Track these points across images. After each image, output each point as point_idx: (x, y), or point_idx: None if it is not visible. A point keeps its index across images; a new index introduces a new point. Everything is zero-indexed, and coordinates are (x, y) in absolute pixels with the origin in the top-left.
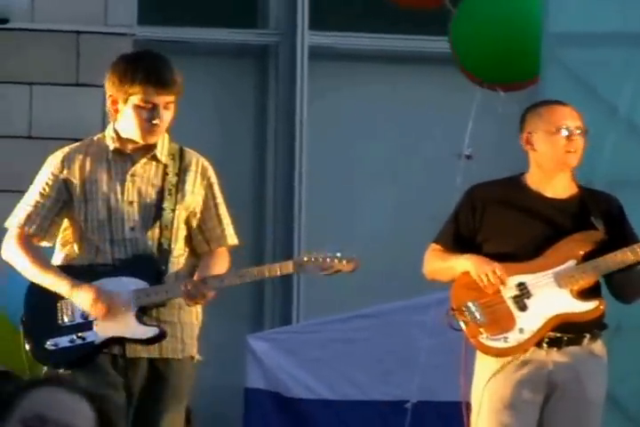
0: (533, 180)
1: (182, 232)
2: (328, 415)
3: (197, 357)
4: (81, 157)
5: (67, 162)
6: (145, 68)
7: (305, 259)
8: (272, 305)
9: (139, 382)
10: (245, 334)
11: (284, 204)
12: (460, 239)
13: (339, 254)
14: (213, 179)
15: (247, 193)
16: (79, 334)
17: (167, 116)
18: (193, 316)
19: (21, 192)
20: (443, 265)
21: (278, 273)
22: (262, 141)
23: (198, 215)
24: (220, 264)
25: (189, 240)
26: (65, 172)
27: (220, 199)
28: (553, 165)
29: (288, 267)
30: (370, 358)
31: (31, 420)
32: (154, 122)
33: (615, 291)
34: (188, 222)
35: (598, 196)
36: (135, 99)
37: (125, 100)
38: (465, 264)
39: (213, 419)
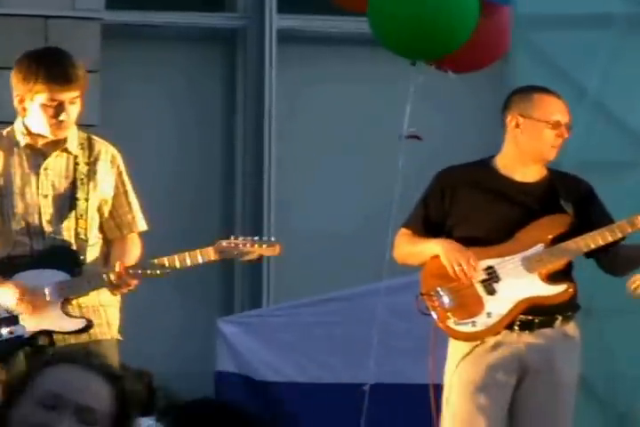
0: (504, 163)
1: (96, 220)
2: (299, 398)
3: (119, 337)
4: None
5: None
6: (47, 67)
7: (224, 244)
8: (242, 288)
9: None
10: (215, 318)
11: (253, 181)
12: (429, 224)
13: (257, 238)
14: (122, 167)
15: (216, 168)
16: (8, 329)
17: (74, 110)
18: (113, 297)
19: None
20: (413, 249)
21: (200, 260)
22: (231, 125)
23: (110, 202)
24: (134, 249)
25: (101, 227)
26: None
27: (129, 186)
28: (533, 155)
29: (209, 253)
30: (340, 341)
31: (46, 399)
32: (60, 118)
33: (607, 269)
34: (99, 210)
35: (568, 178)
36: (41, 97)
37: (32, 99)
38: (435, 249)
39: None
